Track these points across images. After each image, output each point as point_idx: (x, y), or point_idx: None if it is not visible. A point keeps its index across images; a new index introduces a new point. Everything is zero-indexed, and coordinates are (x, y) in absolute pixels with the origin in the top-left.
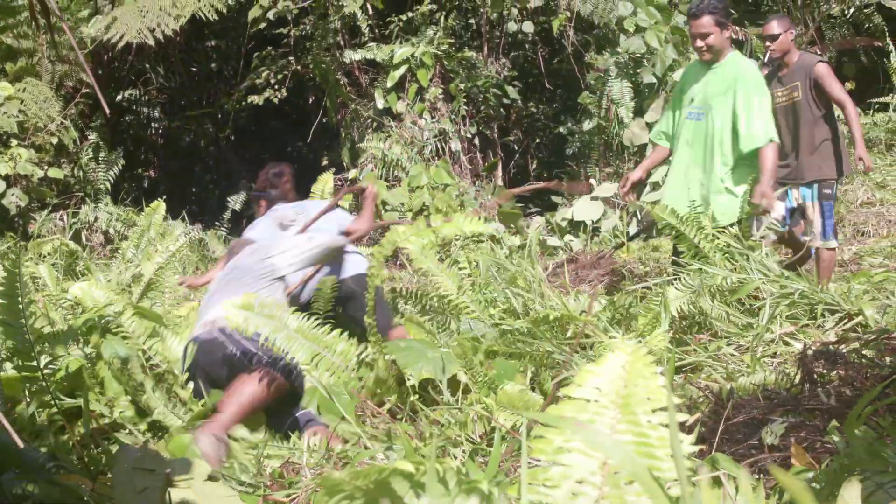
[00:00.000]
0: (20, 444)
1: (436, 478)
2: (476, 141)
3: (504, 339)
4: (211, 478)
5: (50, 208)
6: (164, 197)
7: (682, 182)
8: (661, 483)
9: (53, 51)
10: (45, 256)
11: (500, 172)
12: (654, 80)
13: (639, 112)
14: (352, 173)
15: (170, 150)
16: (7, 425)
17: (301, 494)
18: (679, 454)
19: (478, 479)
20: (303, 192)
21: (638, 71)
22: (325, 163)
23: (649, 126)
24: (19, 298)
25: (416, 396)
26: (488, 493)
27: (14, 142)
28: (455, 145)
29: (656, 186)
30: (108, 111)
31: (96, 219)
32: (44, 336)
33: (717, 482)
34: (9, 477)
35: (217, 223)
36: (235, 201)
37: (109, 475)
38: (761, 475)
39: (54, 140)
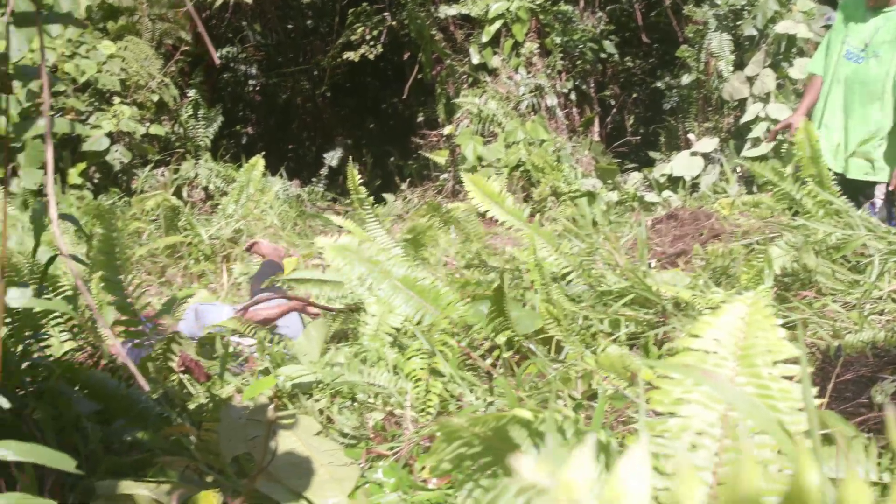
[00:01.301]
0: (146, 386)
1: (554, 426)
2: (572, 96)
3: (600, 299)
4: (317, 432)
5: (152, 165)
6: (263, 153)
7: (838, 123)
8: (791, 434)
9: (154, 9)
10: (147, 212)
11: (596, 128)
12: (755, 33)
13: (739, 66)
14: (447, 129)
15: (267, 107)
16: (135, 370)
17: (404, 448)
18: (811, 405)
19: (594, 428)
20: (400, 147)
21: (738, 24)
22: (420, 119)
23: (749, 80)
24: (116, 252)
25: (510, 353)
26: (606, 443)
27: (117, 99)
28: (551, 100)
29: (757, 142)
30: (217, 62)
31: (196, 175)
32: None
33: (827, 440)
34: (120, 423)
35: (314, 179)
36: (332, 158)
37: (215, 424)
38: (871, 434)
39: (155, 97)
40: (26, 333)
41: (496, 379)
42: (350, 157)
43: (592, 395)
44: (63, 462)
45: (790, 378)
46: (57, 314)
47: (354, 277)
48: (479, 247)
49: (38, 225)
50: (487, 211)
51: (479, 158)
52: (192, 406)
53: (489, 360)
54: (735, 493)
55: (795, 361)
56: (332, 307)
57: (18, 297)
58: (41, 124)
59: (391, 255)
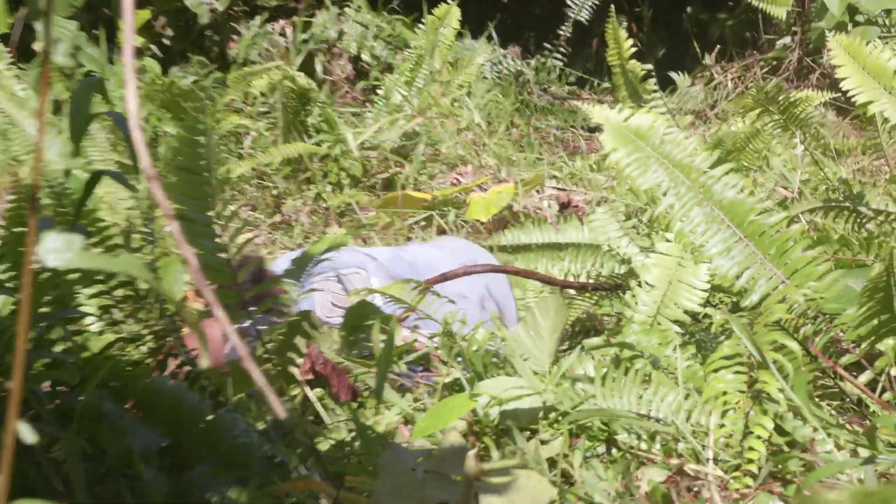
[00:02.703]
0: (281, 411)
1: None
2: None
3: None
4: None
5: (265, 16)
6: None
7: None
8: None
9: None
10: (255, 99)
11: None
12: None
13: None
14: None
15: None
16: (264, 381)
17: None
18: None
19: None
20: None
21: None
22: None
23: None
24: (203, 169)
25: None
26: None
27: None
28: None
29: None
30: None
31: (341, 34)
32: None
33: None
34: (202, 470)
35: (546, 46)
36: (579, 7)
37: (369, 479)
38: None
39: None
40: (42, 309)
41: (880, 416)
42: (611, 6)
43: None
44: None
45: None
46: (98, 277)
47: (644, 185)
48: (844, 172)
49: (82, 117)
50: (868, 104)
51: (852, 9)
52: (326, 444)
53: (863, 379)
54: None
55: None
56: (577, 283)
57: (61, 250)
58: None
59: (712, 161)
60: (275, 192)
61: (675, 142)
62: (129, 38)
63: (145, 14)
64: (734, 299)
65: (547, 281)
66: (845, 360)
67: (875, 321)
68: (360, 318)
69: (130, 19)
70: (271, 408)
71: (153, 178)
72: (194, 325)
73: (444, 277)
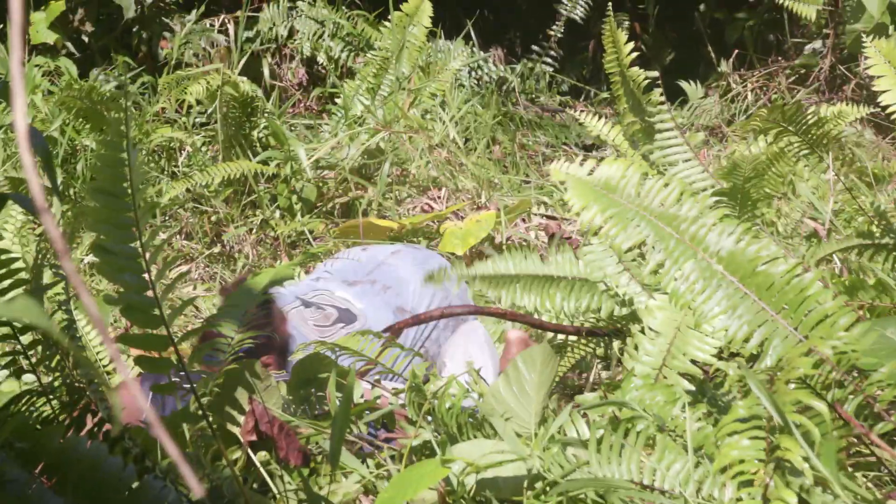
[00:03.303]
0: (199, 490)
1: None
2: None
3: None
4: None
5: (201, 8)
6: None
7: None
8: None
9: None
10: (189, 108)
11: None
12: None
13: None
14: None
15: None
16: (167, 440)
17: None
18: None
19: None
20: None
21: None
22: None
23: None
24: (127, 191)
25: None
26: None
27: None
28: None
29: None
30: None
31: (292, 32)
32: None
33: None
34: None
35: (534, 49)
36: (571, 4)
37: None
38: None
39: None
40: None
41: None
42: (609, 2)
43: None
44: None
45: None
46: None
47: (626, 244)
48: (883, 201)
49: None
50: None
51: (894, 9)
52: None
53: None
54: None
55: None
56: (570, 328)
57: None
58: None
59: (705, 206)
60: (214, 217)
61: (656, 189)
62: (17, 40)
63: (59, 5)
64: (746, 356)
65: (536, 325)
66: (881, 426)
67: None
68: (311, 370)
69: (18, 15)
70: (184, 474)
71: (43, 212)
72: (103, 384)
73: (417, 320)
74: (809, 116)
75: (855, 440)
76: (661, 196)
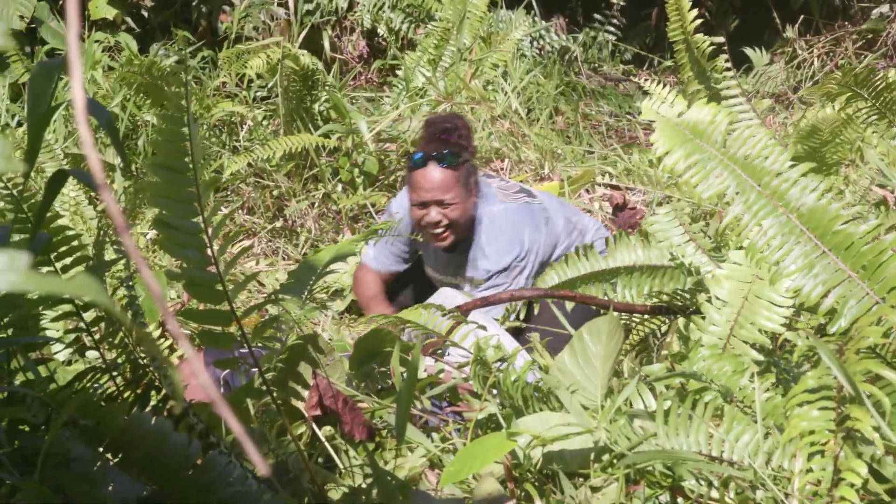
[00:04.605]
0: (263, 467)
1: None
2: None
3: None
4: None
5: None
6: None
7: None
8: None
9: None
10: (250, 82)
11: None
12: None
13: None
14: None
15: None
16: (240, 430)
17: None
18: None
19: None
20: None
21: None
22: None
23: None
24: (188, 166)
25: None
26: None
27: None
28: None
29: None
30: None
31: (352, 4)
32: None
33: None
34: None
35: (596, 18)
36: None
37: None
38: None
39: None
40: None
41: None
42: None
43: None
44: None
45: None
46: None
47: (706, 193)
48: None
49: (39, 108)
50: None
51: None
52: (338, 493)
53: None
54: None
55: None
56: (636, 306)
57: (4, 270)
58: None
59: (786, 160)
60: (276, 192)
61: (742, 139)
62: (74, 14)
63: None
64: (821, 320)
65: (601, 304)
66: None
67: None
68: (373, 345)
69: None
70: (248, 451)
71: (103, 188)
72: (165, 361)
73: (486, 302)
74: (879, 81)
75: None
76: (746, 147)
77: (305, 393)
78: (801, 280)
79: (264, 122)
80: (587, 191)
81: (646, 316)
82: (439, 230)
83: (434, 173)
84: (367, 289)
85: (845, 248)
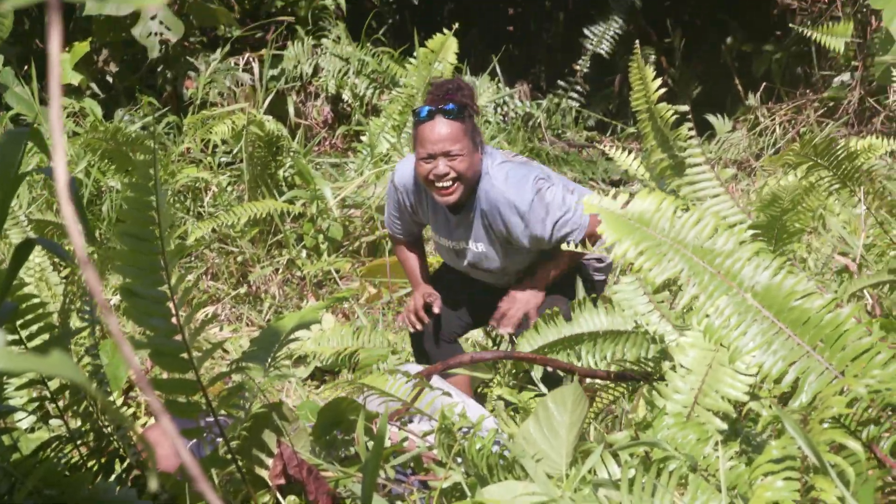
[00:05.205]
0: None
1: None
2: None
3: None
4: None
5: (226, 47)
6: (455, 27)
7: None
8: None
9: None
10: (215, 147)
11: None
12: None
13: None
14: None
15: None
16: (206, 486)
17: None
18: None
19: None
20: (745, 18)
21: None
22: None
23: None
24: (154, 234)
25: None
26: None
27: None
28: None
29: None
30: None
31: (317, 70)
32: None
33: None
34: None
35: (560, 84)
36: (597, 38)
37: None
38: None
39: None
40: None
41: None
42: (636, 40)
43: None
44: None
45: None
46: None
47: (660, 278)
48: None
49: (7, 176)
50: None
51: None
52: None
53: None
54: None
55: None
56: (600, 372)
57: None
58: None
59: (740, 240)
60: (240, 258)
61: (690, 224)
62: (56, 90)
63: (84, 46)
64: (785, 390)
65: (566, 369)
66: None
67: None
68: (336, 413)
69: (56, 56)
70: None
71: (84, 264)
72: (136, 434)
73: (447, 366)
74: (840, 150)
75: (891, 480)
76: (696, 230)
77: (270, 461)
78: (761, 357)
79: (229, 188)
80: None
81: (609, 382)
82: (447, 182)
83: (441, 125)
84: (399, 252)
85: (802, 323)
